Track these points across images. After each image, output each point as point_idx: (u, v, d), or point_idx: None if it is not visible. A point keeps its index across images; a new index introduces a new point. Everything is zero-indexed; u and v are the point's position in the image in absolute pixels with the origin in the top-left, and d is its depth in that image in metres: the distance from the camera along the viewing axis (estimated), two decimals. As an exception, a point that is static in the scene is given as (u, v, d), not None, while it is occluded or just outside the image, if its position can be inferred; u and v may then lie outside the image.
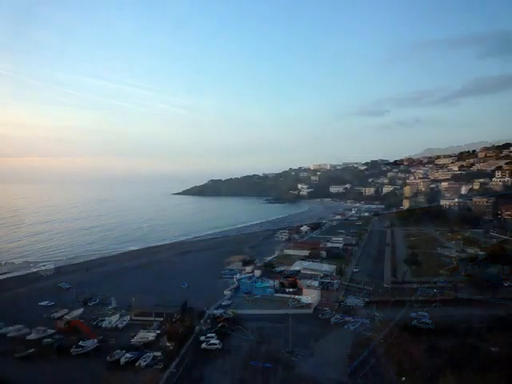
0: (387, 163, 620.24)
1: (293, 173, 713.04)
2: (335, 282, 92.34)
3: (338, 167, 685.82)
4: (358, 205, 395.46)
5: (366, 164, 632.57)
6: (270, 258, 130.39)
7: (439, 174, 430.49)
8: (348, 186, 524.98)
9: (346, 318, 71.05)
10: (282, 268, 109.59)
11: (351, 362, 52.61)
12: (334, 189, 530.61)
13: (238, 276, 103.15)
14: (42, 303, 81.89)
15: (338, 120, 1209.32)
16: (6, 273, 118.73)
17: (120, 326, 68.24)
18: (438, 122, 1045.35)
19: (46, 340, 61.24)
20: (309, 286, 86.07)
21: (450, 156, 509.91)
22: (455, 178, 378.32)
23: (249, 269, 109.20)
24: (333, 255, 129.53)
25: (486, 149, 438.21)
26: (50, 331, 64.38)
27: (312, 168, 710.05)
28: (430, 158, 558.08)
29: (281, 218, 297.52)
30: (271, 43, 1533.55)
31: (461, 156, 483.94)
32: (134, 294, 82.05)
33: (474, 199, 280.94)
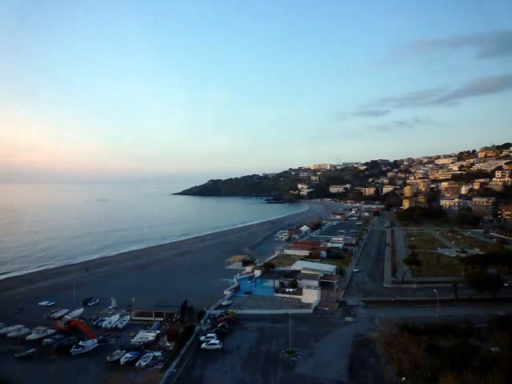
0: (387, 163, 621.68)
1: (293, 173, 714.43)
2: (335, 282, 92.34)
3: (338, 167, 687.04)
4: (358, 205, 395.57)
5: (366, 164, 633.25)
6: (270, 257, 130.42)
7: (439, 174, 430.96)
8: (348, 186, 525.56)
9: (346, 318, 71.10)
10: (282, 268, 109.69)
11: (351, 362, 52.65)
12: (333, 189, 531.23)
13: (238, 276, 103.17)
14: (41, 303, 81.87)
15: (338, 120, 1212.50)
16: (5, 272, 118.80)
17: (120, 326, 68.19)
18: (438, 121, 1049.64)
19: (45, 340, 61.21)
20: (309, 286, 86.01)
21: (450, 156, 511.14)
22: (455, 178, 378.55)
23: (249, 269, 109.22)
24: (333, 255, 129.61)
25: (486, 149, 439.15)
26: (50, 331, 64.34)
27: (312, 168, 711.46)
28: (430, 157, 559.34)
29: (281, 217, 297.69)
30: (272, 43, 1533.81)
31: (461, 156, 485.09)
32: (134, 294, 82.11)
33: (474, 199, 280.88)
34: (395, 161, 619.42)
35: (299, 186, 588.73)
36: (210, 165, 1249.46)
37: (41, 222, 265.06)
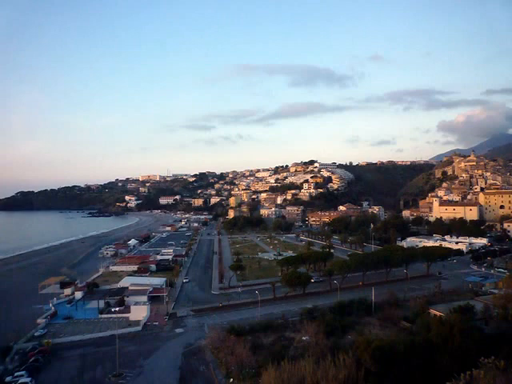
0: (214, 175, 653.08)
1: (120, 184, 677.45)
2: (165, 294, 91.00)
3: (168, 178, 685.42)
4: (187, 216, 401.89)
5: (195, 176, 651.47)
6: (93, 276, 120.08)
7: (259, 186, 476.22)
8: (178, 197, 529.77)
9: (176, 330, 70.77)
10: (107, 287, 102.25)
11: (182, 374, 52.49)
12: (163, 200, 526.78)
13: (55, 300, 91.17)
14: None
15: (167, 132, 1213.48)
16: None
17: None
18: (257, 139, 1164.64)
19: None
20: (137, 303, 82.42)
21: (267, 170, 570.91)
22: (272, 190, 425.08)
23: (68, 291, 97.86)
24: (163, 268, 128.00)
25: (296, 164, 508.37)
26: None
27: (141, 179, 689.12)
28: (251, 171, 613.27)
29: (106, 232, 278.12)
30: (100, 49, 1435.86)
31: (276, 170, 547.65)
32: None
33: (287, 208, 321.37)
34: (221, 173, 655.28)
35: (127, 197, 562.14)
36: (18, 175, 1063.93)
37: None
